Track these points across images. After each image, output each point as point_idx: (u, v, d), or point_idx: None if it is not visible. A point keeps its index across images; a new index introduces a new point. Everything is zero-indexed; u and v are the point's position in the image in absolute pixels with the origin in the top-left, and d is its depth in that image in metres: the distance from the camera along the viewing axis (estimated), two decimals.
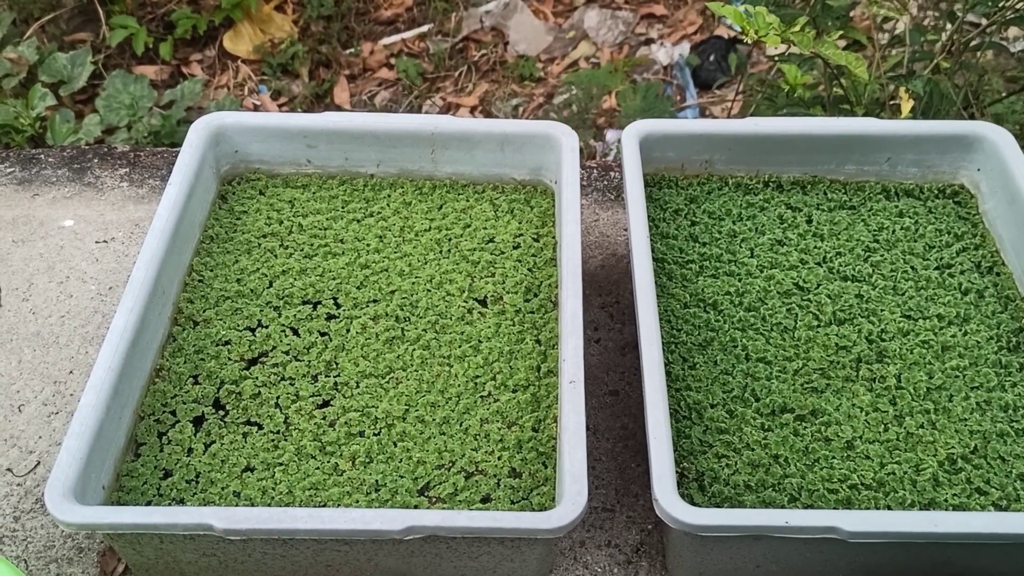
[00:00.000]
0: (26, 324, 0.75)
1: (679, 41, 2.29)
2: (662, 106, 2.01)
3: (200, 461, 0.58)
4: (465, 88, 2.32)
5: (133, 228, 0.83)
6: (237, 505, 0.57)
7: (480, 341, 0.66)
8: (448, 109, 2.28)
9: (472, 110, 2.29)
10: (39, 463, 0.66)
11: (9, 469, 0.66)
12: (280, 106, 2.24)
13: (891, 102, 1.10)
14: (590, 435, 0.68)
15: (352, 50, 2.31)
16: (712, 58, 2.19)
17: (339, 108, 2.21)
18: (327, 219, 0.74)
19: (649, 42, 2.32)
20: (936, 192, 0.76)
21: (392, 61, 2.32)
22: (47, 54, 1.87)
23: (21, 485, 0.65)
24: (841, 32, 1.16)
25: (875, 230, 0.73)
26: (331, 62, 2.30)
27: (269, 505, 0.57)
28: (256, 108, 2.22)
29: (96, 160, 0.90)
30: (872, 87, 1.13)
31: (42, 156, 0.90)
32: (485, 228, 0.74)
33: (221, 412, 0.61)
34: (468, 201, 0.76)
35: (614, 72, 2.11)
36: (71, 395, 0.71)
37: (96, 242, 0.82)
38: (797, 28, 0.92)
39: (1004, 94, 1.32)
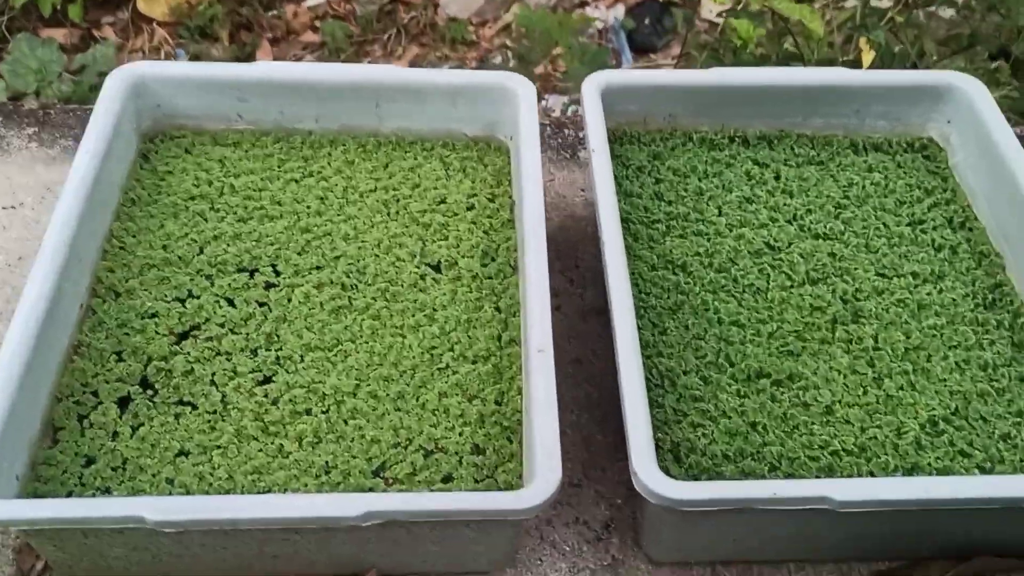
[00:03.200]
0: None
1: (614, 3, 2.24)
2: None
3: (127, 446, 0.52)
4: (395, 52, 2.24)
5: (44, 192, 0.75)
6: (171, 494, 0.51)
7: (435, 309, 0.61)
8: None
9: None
10: None
11: None
12: None
13: (845, 59, 1.07)
14: None
15: (275, 12, 2.21)
16: (647, 21, 2.14)
17: None
18: (262, 179, 0.68)
19: (584, 4, 2.27)
20: (905, 146, 0.73)
21: (317, 24, 2.22)
22: None
23: None
24: None
25: (844, 186, 0.70)
26: (252, 25, 2.19)
27: (207, 493, 0.51)
28: None
29: (1, 119, 0.82)
30: (822, 43, 1.10)
31: None
32: (436, 188, 0.68)
33: (149, 392, 0.55)
34: (416, 159, 0.70)
35: (561, 26, 2.04)
36: None
37: (3, 208, 0.74)
38: None
39: (935, 57, 1.31)
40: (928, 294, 0.63)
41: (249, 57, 2.18)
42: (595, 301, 0.71)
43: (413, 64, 2.19)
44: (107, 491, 0.51)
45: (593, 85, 0.68)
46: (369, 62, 2.19)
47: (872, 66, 0.90)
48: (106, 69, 1.98)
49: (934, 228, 0.67)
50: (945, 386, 0.58)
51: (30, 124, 0.81)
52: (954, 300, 0.63)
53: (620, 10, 2.21)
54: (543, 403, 0.50)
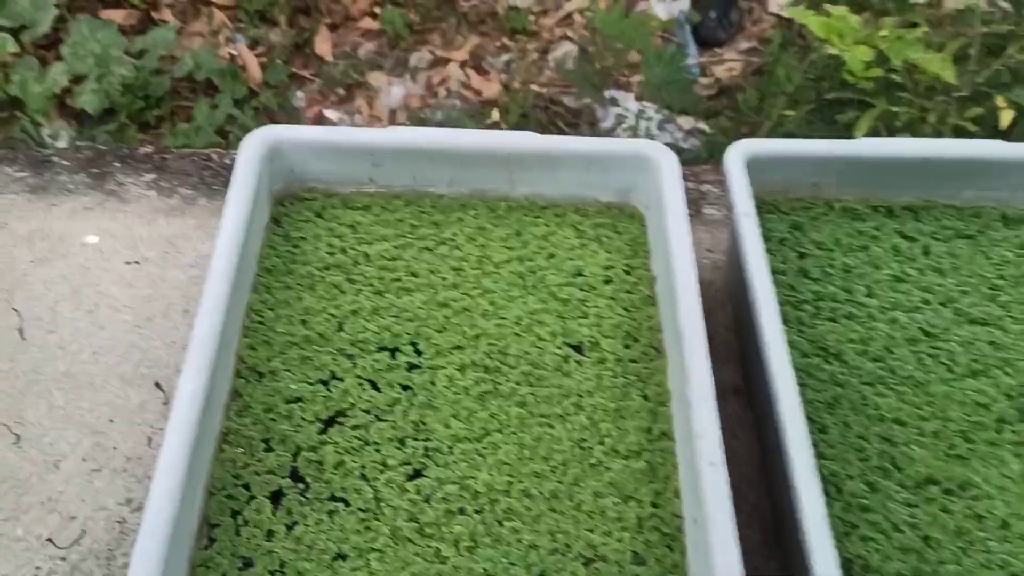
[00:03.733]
0: (54, 362, 0.67)
1: None
2: (684, 76, 1.92)
3: (284, 547, 0.51)
4: (454, 41, 2.22)
5: (167, 247, 0.75)
6: None
7: (581, 396, 0.59)
8: (436, 63, 2.18)
9: (462, 64, 2.19)
10: (84, 532, 0.59)
11: (49, 539, 0.58)
12: (258, 56, 2.12)
13: (969, 115, 1.02)
14: None
15: None
16: (713, 15, 2.09)
17: (320, 60, 2.11)
18: (395, 247, 0.66)
19: None
20: None
21: (377, 10, 2.21)
22: None
23: (65, 559, 0.58)
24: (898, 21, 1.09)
25: (998, 264, 0.67)
26: (311, 9, 2.19)
27: None
28: (232, 58, 2.10)
29: (117, 164, 0.81)
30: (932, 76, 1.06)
31: (55, 158, 0.81)
32: (571, 259, 0.66)
33: (301, 485, 0.54)
34: (549, 226, 0.68)
35: (641, 26, 1.98)
36: (113, 448, 0.63)
37: (126, 263, 0.73)
38: (885, 32, 0.84)
39: None
40: None
41: (307, 42, 2.17)
42: (732, 379, 0.68)
43: (473, 54, 2.17)
44: None
45: (739, 156, 0.65)
46: (429, 51, 2.17)
47: (1012, 127, 0.86)
48: (166, 53, 1.98)
49: None
50: None
51: (147, 170, 0.80)
52: None
53: (685, 2, 2.16)
54: (721, 526, 0.48)
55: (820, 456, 0.56)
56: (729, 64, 2.13)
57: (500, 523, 0.53)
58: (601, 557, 0.52)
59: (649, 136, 1.96)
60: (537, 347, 0.61)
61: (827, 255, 0.67)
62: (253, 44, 2.20)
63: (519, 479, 0.55)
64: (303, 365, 0.59)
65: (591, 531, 0.53)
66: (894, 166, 0.68)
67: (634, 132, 1.94)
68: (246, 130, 2.02)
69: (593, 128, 2.03)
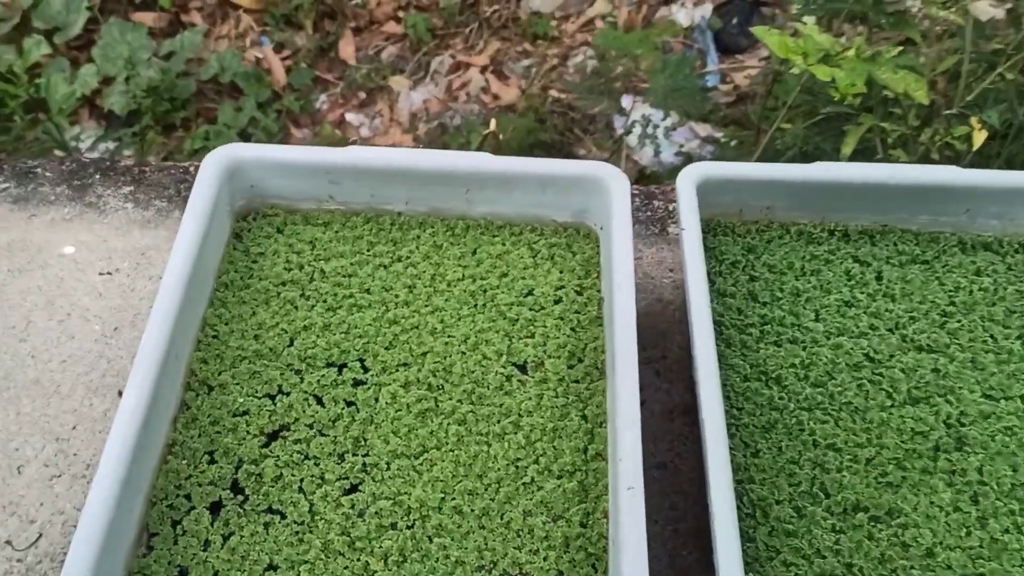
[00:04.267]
0: (24, 369, 0.70)
1: (701, 1, 2.19)
2: (691, 83, 1.93)
3: (218, 557, 0.53)
4: (476, 46, 2.24)
5: (139, 258, 0.77)
6: None
7: (520, 415, 0.60)
8: (458, 68, 2.20)
9: (483, 69, 2.21)
10: (41, 535, 0.61)
11: (8, 542, 0.61)
12: (283, 59, 2.15)
13: (946, 137, 1.02)
14: None
15: (358, 1, 2.23)
16: (735, 21, 2.09)
17: (344, 63, 2.14)
18: (352, 264, 0.68)
19: (669, 1, 2.23)
20: (1016, 247, 0.69)
21: (400, 14, 2.24)
22: None
23: (21, 561, 0.60)
24: (895, 34, 1.09)
25: (951, 290, 0.67)
26: (336, 13, 2.22)
27: None
28: (259, 61, 2.14)
29: (98, 176, 0.83)
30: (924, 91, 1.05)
31: (39, 170, 0.84)
32: (524, 278, 0.67)
33: (240, 497, 0.56)
34: (504, 245, 0.70)
35: (644, 40, 2.01)
36: (74, 455, 0.65)
37: (99, 274, 0.76)
38: (851, 51, 0.84)
39: None
40: None
41: (332, 46, 2.20)
42: (683, 397, 0.69)
43: (494, 59, 2.19)
44: None
45: (690, 179, 0.66)
46: (451, 55, 2.19)
47: (984, 147, 0.85)
48: (193, 56, 2.03)
49: None
50: None
51: (126, 182, 0.83)
52: None
53: (707, 8, 2.16)
54: (633, 549, 0.49)
55: (750, 480, 0.57)
56: (748, 71, 2.12)
57: (430, 539, 0.54)
58: (525, 575, 0.53)
59: (655, 144, 1.97)
60: (482, 366, 0.62)
61: (778, 278, 0.67)
62: (279, 47, 2.24)
63: (452, 496, 0.56)
64: (252, 379, 0.61)
65: (518, 549, 0.54)
66: (846, 191, 0.68)
67: (645, 139, 1.95)
68: (268, 133, 2.06)
69: (609, 133, 2.04)
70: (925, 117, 1.13)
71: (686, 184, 0.66)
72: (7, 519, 0.62)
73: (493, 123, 1.43)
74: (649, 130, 1.94)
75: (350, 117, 2.17)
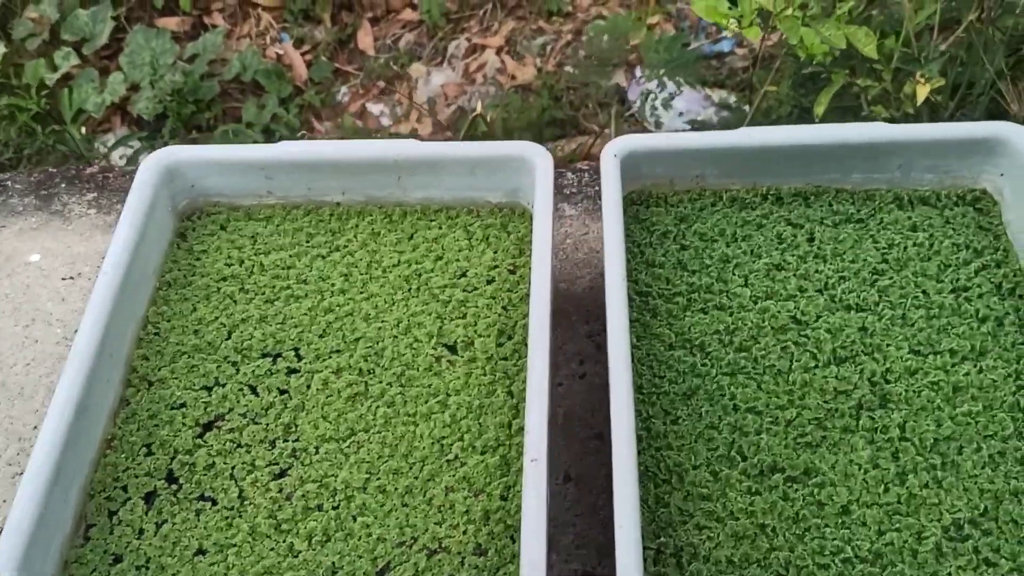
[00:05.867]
0: None
1: None
2: (687, 57, 1.93)
3: (151, 544, 0.56)
4: (491, 27, 2.24)
5: (100, 261, 0.79)
6: None
7: (448, 395, 0.61)
8: (474, 51, 2.21)
9: (498, 50, 2.21)
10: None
11: None
12: (303, 54, 2.18)
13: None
14: (571, 486, 0.64)
15: None
16: None
17: (363, 54, 2.16)
18: (290, 256, 0.70)
19: None
20: (955, 199, 0.69)
21: (415, 1, 2.25)
22: (68, 11, 1.83)
23: None
24: None
25: (884, 248, 0.66)
26: (353, 5, 2.24)
27: None
28: (279, 59, 2.17)
29: (64, 184, 0.86)
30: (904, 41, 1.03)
31: (9, 183, 0.87)
32: (458, 260, 0.69)
33: (174, 486, 0.58)
34: (440, 228, 0.71)
35: (638, 21, 2.02)
36: None
37: (62, 279, 0.79)
38: (788, 10, 0.83)
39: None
40: (966, 375, 0.59)
41: (350, 38, 2.23)
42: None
43: (508, 39, 2.19)
44: None
45: (613, 153, 0.66)
46: (466, 39, 2.20)
47: (936, 95, 0.84)
48: (216, 56, 2.07)
49: (979, 296, 0.63)
50: (975, 483, 0.55)
51: (90, 189, 0.86)
52: (994, 382, 0.59)
53: None
54: (533, 519, 0.50)
55: (668, 447, 0.57)
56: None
57: (354, 518, 0.56)
58: (445, 549, 0.55)
59: (656, 115, 1.96)
60: (413, 348, 0.64)
61: (708, 246, 0.68)
62: (298, 43, 2.28)
63: (377, 476, 0.58)
64: (190, 373, 0.63)
65: (439, 524, 0.56)
66: (774, 154, 0.68)
67: (645, 112, 1.95)
68: (291, 129, 2.09)
69: (623, 107, 2.04)
70: (905, 72, 1.11)
71: (609, 158, 0.66)
72: None
73: (479, 106, 1.44)
74: (649, 103, 1.94)
75: (371, 107, 2.19)
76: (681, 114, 1.97)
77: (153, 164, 0.69)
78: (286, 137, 2.02)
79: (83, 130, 1.99)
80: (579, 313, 0.74)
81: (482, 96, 2.11)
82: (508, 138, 1.90)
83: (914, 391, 0.59)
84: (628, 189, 0.70)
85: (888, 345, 0.61)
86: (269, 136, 2.01)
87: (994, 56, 1.05)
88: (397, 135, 2.04)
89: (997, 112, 1.10)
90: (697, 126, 1.92)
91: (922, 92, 0.84)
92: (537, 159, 0.67)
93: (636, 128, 1.97)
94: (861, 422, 0.58)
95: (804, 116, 1.40)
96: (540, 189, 0.65)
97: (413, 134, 1.86)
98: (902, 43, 1.04)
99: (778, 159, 0.68)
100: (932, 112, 1.13)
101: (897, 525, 0.53)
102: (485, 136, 1.69)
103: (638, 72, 2.02)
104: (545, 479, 0.51)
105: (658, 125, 1.97)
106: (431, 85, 2.22)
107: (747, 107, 1.80)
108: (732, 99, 1.94)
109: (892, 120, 1.00)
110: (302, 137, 2.06)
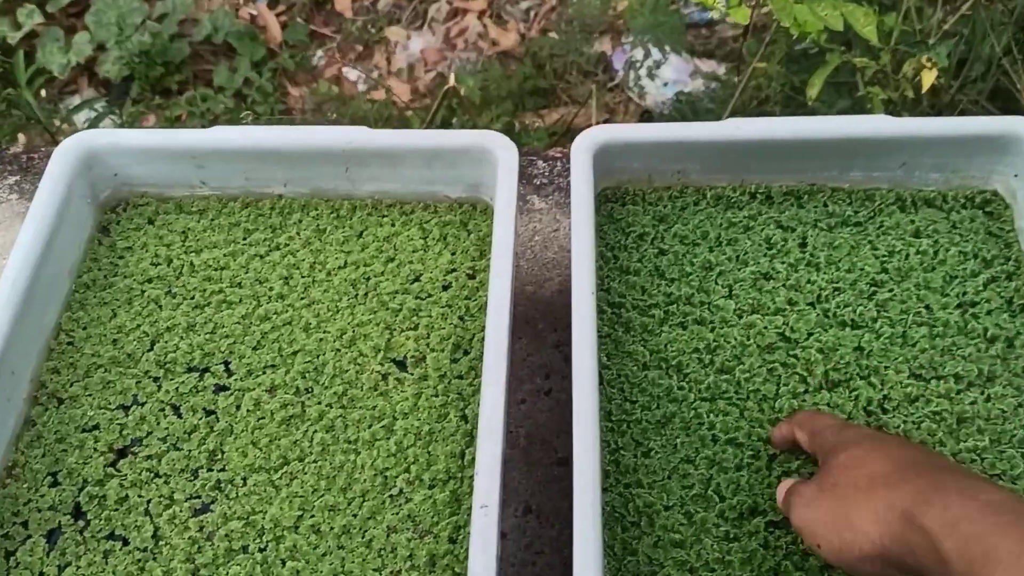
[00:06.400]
0: None
1: None
2: (673, 19, 1.85)
3: None
4: None
5: None
6: None
7: (395, 419, 0.55)
8: (455, 14, 2.12)
9: (480, 14, 2.13)
10: None
11: None
12: (278, 15, 2.09)
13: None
14: (532, 519, 0.58)
15: None
16: None
17: (340, 15, 2.07)
18: (225, 255, 0.62)
19: None
20: (963, 201, 0.62)
21: None
22: None
23: None
24: None
25: (884, 255, 0.60)
26: None
27: None
28: (253, 19, 2.08)
29: None
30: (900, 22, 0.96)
31: None
32: (411, 262, 0.62)
33: (81, 523, 0.52)
34: (394, 226, 0.64)
35: None
36: None
37: None
38: None
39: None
40: (972, 403, 0.53)
41: None
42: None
43: (491, 2, 2.11)
44: None
45: (585, 147, 0.59)
46: (447, 1, 2.11)
47: (939, 80, 0.77)
48: (186, 16, 1.97)
49: (988, 313, 0.57)
50: None
51: (12, 172, 0.78)
52: (1003, 412, 0.53)
53: None
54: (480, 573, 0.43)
55: (638, 484, 0.51)
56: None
57: (283, 562, 0.50)
58: None
59: (640, 85, 1.89)
60: (357, 364, 0.57)
61: (689, 251, 0.61)
62: (273, 3, 2.19)
63: (311, 513, 0.51)
64: (105, 390, 0.56)
65: (378, 571, 0.49)
66: (765, 149, 0.61)
67: (630, 81, 1.87)
68: (264, 93, 1.99)
69: (609, 76, 1.96)
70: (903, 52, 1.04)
71: (580, 152, 0.59)
72: None
73: (452, 78, 1.36)
74: (634, 72, 1.86)
75: (347, 72, 2.10)
76: (666, 84, 1.90)
77: (70, 150, 0.61)
78: (259, 102, 1.93)
79: (43, 93, 1.89)
80: (547, 320, 0.67)
81: (462, 63, 2.02)
82: (487, 109, 1.81)
83: (913, 422, 0.53)
84: (602, 185, 0.63)
85: (886, 368, 0.55)
86: (242, 101, 1.91)
87: (1001, 35, 0.98)
88: (373, 102, 1.95)
89: (1002, 94, 1.03)
90: (683, 97, 1.84)
91: (928, 78, 0.77)
92: (500, 151, 0.60)
93: (620, 99, 1.90)
94: None
95: (796, 94, 1.33)
96: (503, 186, 0.58)
97: (388, 100, 1.77)
98: (902, 19, 0.96)
99: (769, 154, 0.61)
100: (932, 93, 1.06)
101: None
102: (461, 107, 1.61)
103: (624, 41, 1.95)
104: (496, 530, 0.45)
105: (642, 96, 1.89)
106: (410, 50, 2.14)
107: (736, 78, 1.72)
108: (721, 70, 1.87)
109: (890, 101, 0.93)
110: (276, 102, 1.97)
